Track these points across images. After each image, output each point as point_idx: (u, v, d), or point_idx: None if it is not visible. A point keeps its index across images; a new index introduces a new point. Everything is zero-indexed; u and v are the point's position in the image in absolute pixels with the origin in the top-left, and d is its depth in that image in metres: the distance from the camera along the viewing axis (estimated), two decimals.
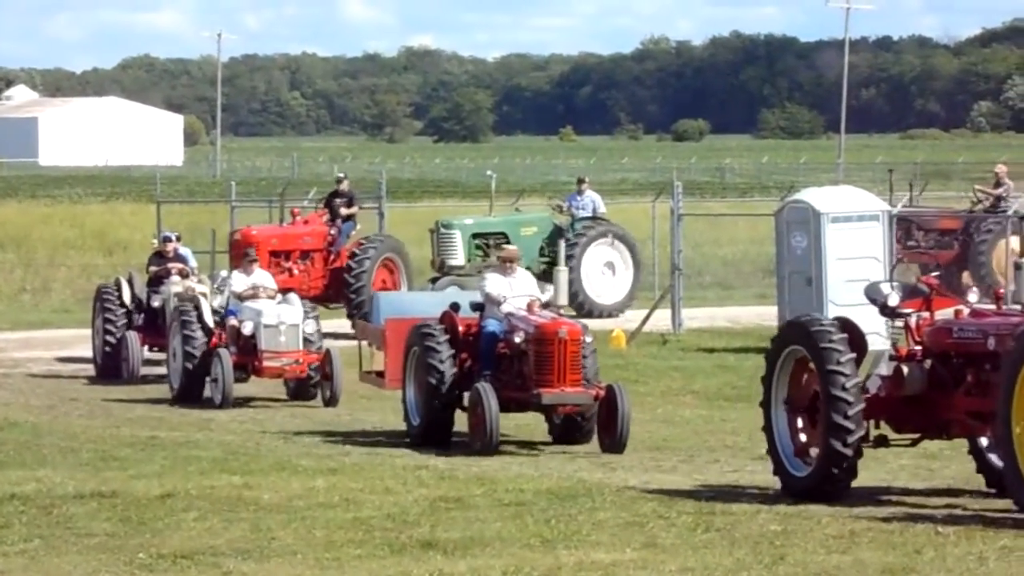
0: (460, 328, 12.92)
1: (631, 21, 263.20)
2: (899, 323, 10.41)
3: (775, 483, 11.10)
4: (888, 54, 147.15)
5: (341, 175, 23.05)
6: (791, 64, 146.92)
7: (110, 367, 17.87)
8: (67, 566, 8.79)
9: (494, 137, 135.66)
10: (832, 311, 18.71)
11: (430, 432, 12.91)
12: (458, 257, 22.42)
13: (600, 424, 12.71)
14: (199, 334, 16.02)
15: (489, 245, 22.48)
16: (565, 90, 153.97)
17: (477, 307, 13.01)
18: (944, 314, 10.33)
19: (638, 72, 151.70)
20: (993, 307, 10.24)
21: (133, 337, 17.68)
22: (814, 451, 10.19)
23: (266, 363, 15.74)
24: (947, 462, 11.54)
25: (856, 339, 10.09)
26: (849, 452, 9.96)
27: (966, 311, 10.20)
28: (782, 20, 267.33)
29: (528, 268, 23.31)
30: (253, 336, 15.80)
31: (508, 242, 22.97)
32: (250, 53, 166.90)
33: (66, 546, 9.26)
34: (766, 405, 10.44)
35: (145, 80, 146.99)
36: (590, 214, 22.86)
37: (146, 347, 17.96)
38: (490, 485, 11.00)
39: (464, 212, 26.07)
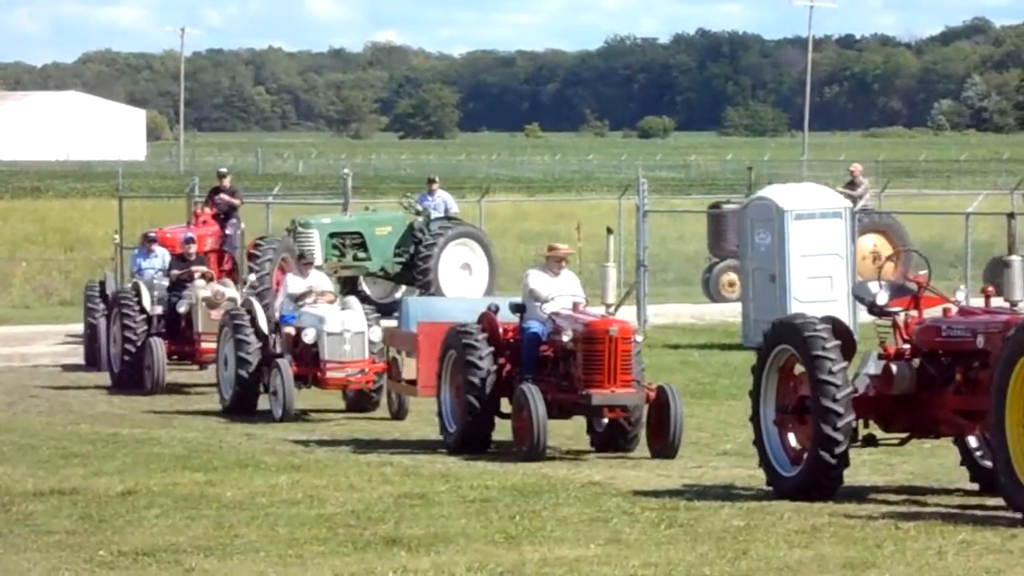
0: (500, 331, 12.25)
1: (597, 18, 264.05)
2: (887, 322, 10.33)
3: (738, 479, 11.16)
4: (851, 52, 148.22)
5: (224, 170, 22.23)
6: (755, 62, 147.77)
7: (130, 376, 16.62)
8: (26, 564, 8.70)
9: (460, 133, 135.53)
10: (795, 307, 18.83)
11: (468, 439, 12.20)
12: (316, 257, 21.37)
13: (650, 428, 12.05)
14: (253, 342, 14.76)
15: (345, 245, 21.98)
16: (531, 87, 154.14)
17: (517, 308, 12.34)
18: (933, 312, 10.29)
19: (604, 69, 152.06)
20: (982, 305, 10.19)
21: (158, 344, 16.39)
22: (802, 450, 10.15)
23: (330, 374, 14.39)
24: (907, 458, 11.61)
25: (846, 342, 10.04)
26: (836, 462, 9.95)
27: (955, 309, 10.18)
28: (746, 18, 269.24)
29: (383, 269, 22.51)
30: (315, 345, 14.47)
31: (363, 242, 22.17)
32: (214, 48, 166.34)
33: (25, 544, 9.16)
34: (755, 404, 10.37)
35: (107, 75, 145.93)
36: (442, 214, 22.51)
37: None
38: (454, 482, 10.96)
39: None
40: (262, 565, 8.60)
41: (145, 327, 16.95)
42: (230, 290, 16.98)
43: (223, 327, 15.23)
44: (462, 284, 21.96)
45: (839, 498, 10.11)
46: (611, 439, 12.36)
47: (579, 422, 12.58)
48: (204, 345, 16.52)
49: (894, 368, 10.13)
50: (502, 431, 12.39)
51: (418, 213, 22.50)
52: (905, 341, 10.25)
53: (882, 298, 10.29)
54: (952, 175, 57.99)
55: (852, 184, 23.82)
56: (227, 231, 20.59)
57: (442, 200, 22.87)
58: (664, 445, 12.08)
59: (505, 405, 12.34)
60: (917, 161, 69.74)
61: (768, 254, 19.37)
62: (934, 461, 11.35)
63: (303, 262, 15.70)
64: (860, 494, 10.32)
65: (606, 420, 12.25)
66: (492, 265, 22.55)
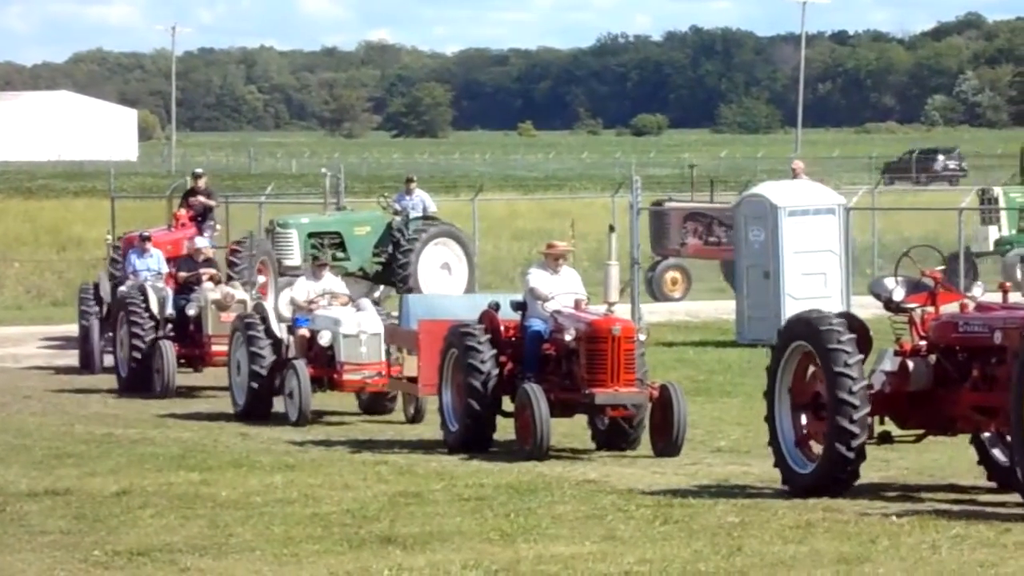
0: (501, 329, 12.21)
1: (589, 16, 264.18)
2: (903, 318, 10.26)
3: (732, 475, 11.16)
4: (844, 48, 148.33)
5: (199, 170, 21.99)
6: (748, 59, 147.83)
7: (138, 380, 16.35)
8: (21, 564, 8.69)
9: (453, 132, 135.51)
10: (789, 304, 18.84)
11: (469, 437, 12.15)
12: (294, 257, 21.61)
13: (653, 426, 12.04)
14: (267, 346, 14.59)
15: (324, 244, 21.89)
16: (524, 85, 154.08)
17: (519, 307, 12.31)
18: (949, 308, 10.25)
19: (597, 67, 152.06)
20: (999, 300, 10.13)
21: (167, 347, 16.17)
22: (817, 446, 10.10)
23: (347, 376, 14.23)
24: (902, 453, 11.61)
25: (862, 336, 9.98)
26: (852, 456, 9.88)
27: (971, 305, 10.12)
28: (739, 15, 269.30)
29: (362, 268, 22.30)
30: (330, 347, 14.31)
31: (342, 241, 22.12)
32: (205, 47, 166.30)
33: (20, 544, 9.15)
34: (769, 399, 10.30)
35: (97, 74, 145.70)
36: (420, 213, 22.44)
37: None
38: (449, 480, 10.97)
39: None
40: (257, 564, 8.60)
41: (153, 330, 16.61)
42: (239, 292, 16.76)
43: (235, 331, 15.00)
44: (442, 283, 21.94)
45: (833, 494, 10.12)
46: (613, 438, 12.31)
47: (575, 419, 12.57)
48: (214, 348, 16.30)
49: (910, 364, 10.05)
50: (503, 430, 12.38)
51: (396, 213, 22.39)
52: (921, 337, 10.17)
53: (898, 294, 10.21)
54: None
55: (794, 180, 23.35)
56: (204, 233, 20.33)
57: (420, 200, 22.79)
58: (667, 443, 12.04)
59: (507, 404, 12.29)
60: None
61: (762, 251, 19.39)
62: (928, 456, 11.37)
63: (317, 263, 15.48)
64: (854, 490, 10.30)
65: (608, 419, 12.20)
66: (471, 264, 22.51)
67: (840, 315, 10.16)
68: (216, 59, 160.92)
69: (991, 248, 24.97)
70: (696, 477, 11.10)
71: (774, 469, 10.53)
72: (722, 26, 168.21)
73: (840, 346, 9.86)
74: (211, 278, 17.04)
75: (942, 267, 10.59)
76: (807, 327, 10.09)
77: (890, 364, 10.16)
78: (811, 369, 10.19)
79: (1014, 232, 24.22)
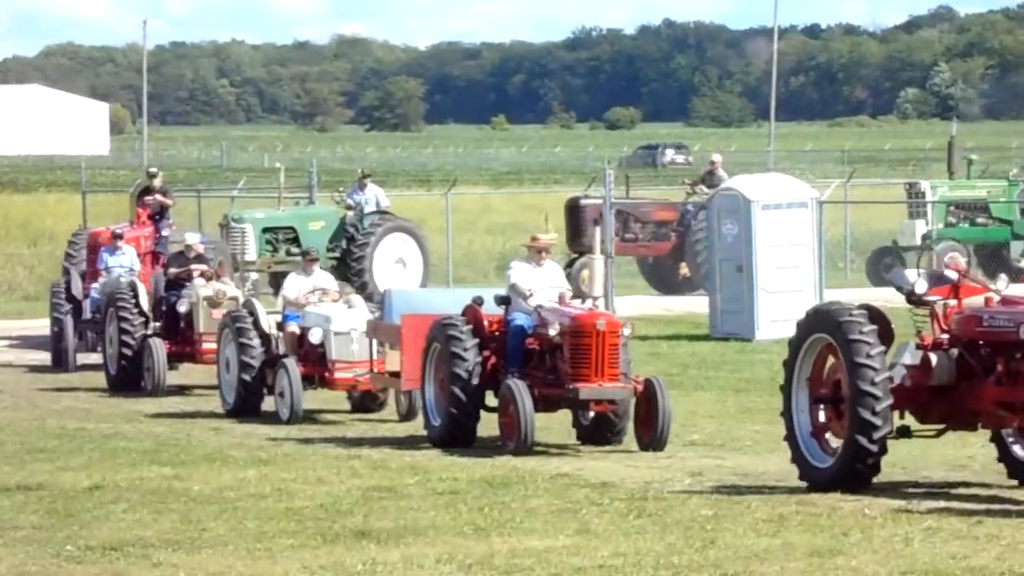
0: (484, 323, 12.17)
1: (562, 9, 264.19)
2: (924, 311, 10.12)
3: (706, 469, 11.20)
4: (816, 42, 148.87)
5: (154, 170, 21.70)
6: (721, 52, 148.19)
7: (127, 378, 16.19)
8: None
9: (426, 126, 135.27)
10: (763, 297, 18.91)
11: (453, 432, 12.10)
12: (250, 252, 21.53)
13: (638, 420, 12.00)
14: (257, 343, 14.36)
15: (279, 240, 21.86)
16: (497, 79, 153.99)
17: (502, 301, 12.25)
18: (973, 302, 10.11)
19: (570, 60, 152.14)
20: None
21: (158, 344, 15.98)
22: (835, 441, 9.99)
23: (338, 374, 14.03)
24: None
25: (884, 329, 9.86)
26: (875, 448, 9.74)
27: (996, 299, 10.01)
28: (711, 8, 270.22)
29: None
30: (321, 345, 14.14)
31: (297, 237, 22.02)
32: (177, 40, 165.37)
33: None
34: (787, 392, 10.17)
35: (68, 68, 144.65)
36: (374, 208, 22.46)
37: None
38: (423, 474, 10.97)
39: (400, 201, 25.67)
40: (230, 559, 8.58)
41: (143, 328, 16.42)
42: (231, 289, 16.65)
43: (223, 328, 14.83)
44: (397, 278, 21.91)
45: (806, 488, 10.16)
46: (597, 432, 12.28)
47: (554, 414, 12.55)
48: (205, 346, 16.12)
49: (933, 358, 9.92)
50: (485, 426, 12.34)
51: (350, 208, 22.37)
52: (944, 331, 10.05)
53: (921, 286, 10.07)
54: (918, 164, 58.42)
55: (710, 175, 23.11)
56: (162, 231, 20.06)
57: (374, 194, 22.81)
58: (652, 438, 12.02)
59: (490, 399, 12.26)
60: (883, 150, 70.19)
61: (735, 245, 19.44)
62: (902, 450, 11.42)
63: (308, 258, 15.24)
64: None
65: (592, 414, 12.19)
66: (426, 258, 22.52)
67: (861, 307, 10.00)
68: (188, 53, 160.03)
69: (918, 242, 25.02)
70: (670, 471, 11.11)
71: (746, 463, 10.58)
72: (695, 19, 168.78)
73: (862, 337, 9.70)
74: (203, 274, 16.88)
75: (965, 259, 10.49)
76: (827, 318, 9.92)
77: (911, 357, 10.01)
78: (830, 362, 10.02)
79: (941, 226, 24.27)
